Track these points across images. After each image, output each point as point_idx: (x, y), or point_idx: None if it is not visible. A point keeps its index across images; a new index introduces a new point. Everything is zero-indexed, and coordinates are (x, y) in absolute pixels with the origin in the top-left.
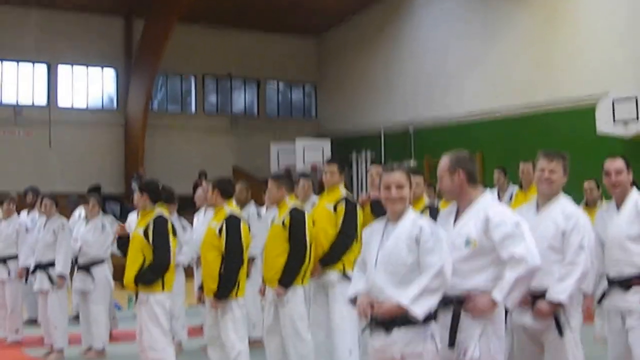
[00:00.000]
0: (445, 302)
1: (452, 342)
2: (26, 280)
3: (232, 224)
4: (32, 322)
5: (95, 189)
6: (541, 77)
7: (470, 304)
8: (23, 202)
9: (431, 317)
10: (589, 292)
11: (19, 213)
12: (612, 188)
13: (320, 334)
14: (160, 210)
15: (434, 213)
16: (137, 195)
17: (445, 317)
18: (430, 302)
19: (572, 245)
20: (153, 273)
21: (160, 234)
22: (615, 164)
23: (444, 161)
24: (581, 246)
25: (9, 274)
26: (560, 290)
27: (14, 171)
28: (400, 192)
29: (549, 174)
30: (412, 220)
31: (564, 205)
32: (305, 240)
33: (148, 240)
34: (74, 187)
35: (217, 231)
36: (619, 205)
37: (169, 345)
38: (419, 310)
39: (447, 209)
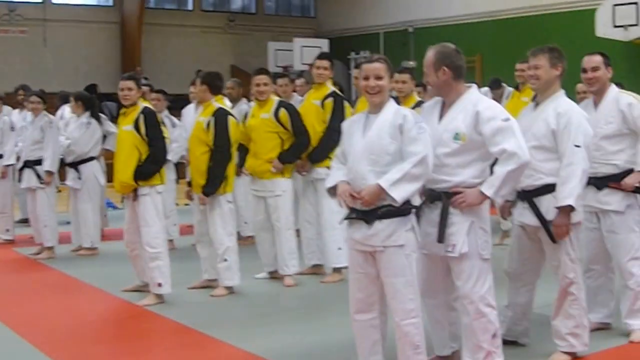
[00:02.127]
0: (433, 197)
1: (441, 237)
2: (19, 179)
3: (220, 118)
4: (25, 221)
5: (91, 88)
6: None
7: (458, 198)
8: (14, 100)
9: (411, 208)
10: None
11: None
12: (588, 85)
13: (310, 230)
14: (145, 103)
15: None
16: (132, 89)
17: (433, 213)
18: (409, 189)
19: (566, 144)
20: (154, 164)
21: (153, 125)
22: (592, 60)
23: (429, 56)
24: (576, 144)
25: None
26: (566, 195)
27: (8, 71)
28: (378, 82)
29: (534, 70)
30: (395, 109)
31: (557, 103)
32: (308, 131)
33: (140, 135)
34: (70, 86)
35: (205, 125)
36: (596, 104)
37: (165, 241)
38: (397, 194)
39: (429, 103)
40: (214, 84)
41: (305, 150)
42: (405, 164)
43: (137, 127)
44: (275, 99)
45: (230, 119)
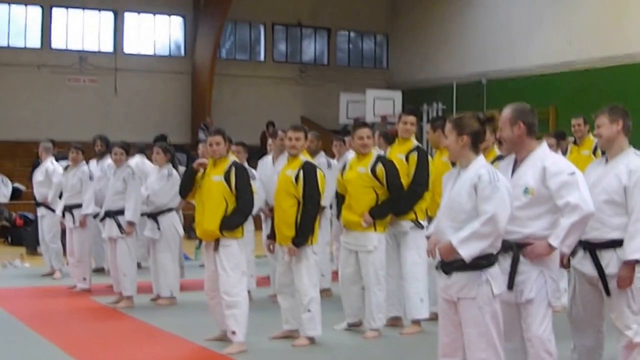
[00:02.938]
0: (505, 247)
1: (510, 284)
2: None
3: (310, 172)
4: (99, 271)
5: (162, 138)
6: (617, 30)
7: (528, 249)
8: (91, 150)
9: (488, 263)
10: None
11: (87, 162)
12: None
13: (391, 283)
14: (234, 157)
15: None
16: (220, 143)
17: (505, 262)
18: (478, 246)
19: (636, 201)
20: (240, 217)
21: (243, 179)
22: None
23: (506, 112)
24: None
25: (74, 222)
26: (634, 249)
27: (79, 119)
28: (444, 142)
29: (597, 129)
30: (476, 168)
31: (629, 160)
32: (403, 187)
33: (230, 186)
34: (139, 136)
35: (293, 179)
36: None
37: (244, 291)
38: (465, 251)
39: (505, 160)
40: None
41: (398, 208)
42: (475, 223)
43: (227, 178)
44: (375, 153)
45: (319, 171)
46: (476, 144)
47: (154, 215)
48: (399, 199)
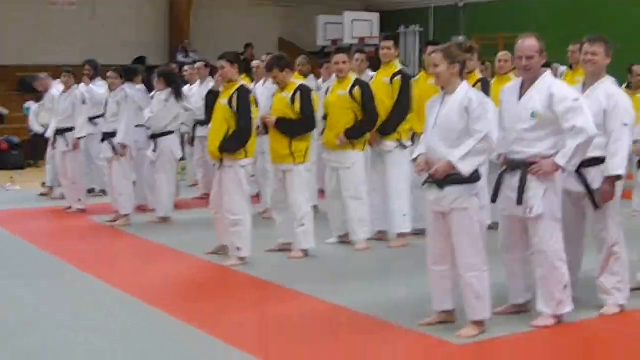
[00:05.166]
0: (513, 166)
1: (519, 200)
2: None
3: (305, 93)
4: (89, 192)
5: (140, 61)
6: None
7: (535, 167)
8: (80, 74)
9: (478, 177)
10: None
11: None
12: None
13: (376, 199)
14: (243, 81)
15: (485, 86)
16: (225, 67)
17: (513, 179)
18: (475, 162)
19: (616, 123)
20: (238, 140)
21: (244, 103)
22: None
23: (532, 41)
24: (623, 123)
25: (67, 145)
26: (616, 166)
27: (58, 42)
28: (435, 69)
29: (591, 56)
30: (464, 92)
31: (607, 86)
32: (376, 110)
33: (232, 110)
34: (118, 58)
35: (288, 100)
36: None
37: (247, 210)
38: (465, 167)
39: (511, 84)
40: (291, 66)
41: (370, 128)
42: (470, 141)
43: (230, 102)
44: (353, 77)
45: (313, 93)
46: (463, 71)
47: (153, 137)
48: (371, 121)
